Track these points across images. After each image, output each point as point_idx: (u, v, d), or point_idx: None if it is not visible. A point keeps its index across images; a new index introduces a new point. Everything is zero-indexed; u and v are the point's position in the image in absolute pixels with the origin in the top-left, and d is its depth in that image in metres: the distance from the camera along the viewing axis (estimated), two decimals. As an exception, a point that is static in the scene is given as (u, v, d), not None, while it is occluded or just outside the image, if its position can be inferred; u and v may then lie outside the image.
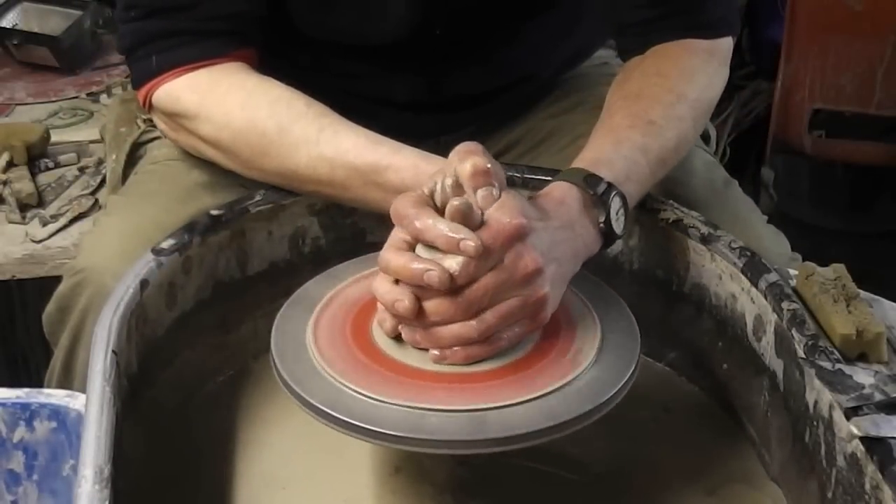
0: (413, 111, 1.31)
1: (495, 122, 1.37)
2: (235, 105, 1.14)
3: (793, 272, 1.03)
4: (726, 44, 1.21)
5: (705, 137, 1.37)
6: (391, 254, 0.91)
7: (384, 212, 0.96)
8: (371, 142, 1.08)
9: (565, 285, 0.97)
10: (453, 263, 0.89)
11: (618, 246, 1.16)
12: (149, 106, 1.21)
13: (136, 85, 1.21)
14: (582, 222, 1.00)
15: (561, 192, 1.01)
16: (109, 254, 1.12)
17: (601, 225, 1.01)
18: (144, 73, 1.19)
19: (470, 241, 0.88)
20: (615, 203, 1.01)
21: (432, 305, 0.90)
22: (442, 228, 0.89)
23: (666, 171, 1.12)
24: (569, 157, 1.09)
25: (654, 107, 1.11)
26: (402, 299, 0.90)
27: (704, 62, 1.18)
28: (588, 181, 1.01)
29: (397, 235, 0.93)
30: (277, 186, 1.15)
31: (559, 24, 1.34)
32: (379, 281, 0.93)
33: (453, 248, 0.89)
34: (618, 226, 1.02)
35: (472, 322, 0.90)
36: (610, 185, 1.01)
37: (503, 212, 0.91)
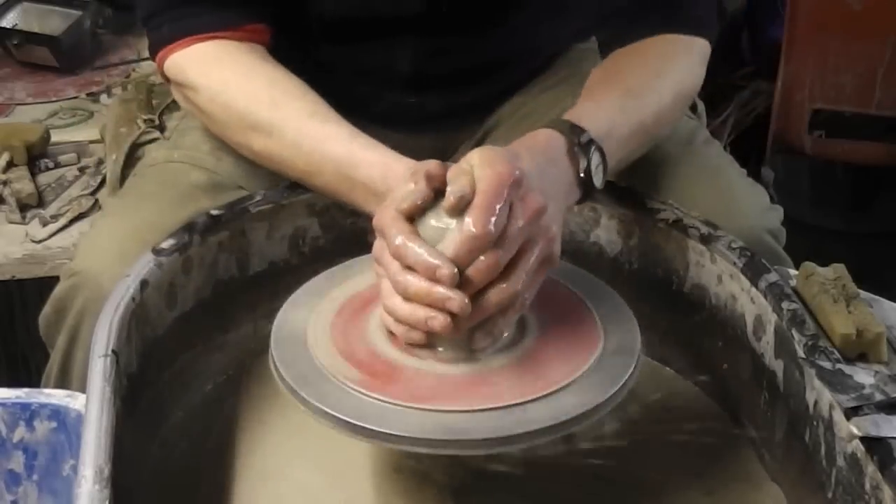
0: (415, 89, 1.31)
1: (486, 104, 1.38)
2: (235, 77, 1.16)
3: (793, 272, 1.03)
4: (703, 44, 1.23)
5: (692, 107, 1.39)
6: (394, 301, 0.92)
7: (351, 205, 0.98)
8: (351, 134, 1.10)
9: (561, 224, 0.99)
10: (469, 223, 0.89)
11: (618, 245, 1.16)
12: (164, 76, 1.23)
13: (151, 53, 1.23)
14: (564, 165, 1.03)
15: (546, 136, 1.04)
16: (106, 256, 1.12)
17: (581, 174, 1.04)
18: (158, 41, 1.21)
19: (445, 269, 0.89)
20: (595, 157, 1.05)
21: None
22: (420, 253, 0.90)
23: (649, 140, 1.15)
24: None
25: (631, 78, 1.15)
26: (435, 316, 0.89)
27: (683, 53, 1.21)
28: (573, 129, 1.04)
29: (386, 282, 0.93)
30: (262, 166, 1.16)
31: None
32: (392, 302, 0.92)
33: (431, 276, 0.89)
34: (597, 178, 1.05)
35: (509, 287, 0.90)
36: (592, 140, 1.04)
37: (493, 165, 0.91)
